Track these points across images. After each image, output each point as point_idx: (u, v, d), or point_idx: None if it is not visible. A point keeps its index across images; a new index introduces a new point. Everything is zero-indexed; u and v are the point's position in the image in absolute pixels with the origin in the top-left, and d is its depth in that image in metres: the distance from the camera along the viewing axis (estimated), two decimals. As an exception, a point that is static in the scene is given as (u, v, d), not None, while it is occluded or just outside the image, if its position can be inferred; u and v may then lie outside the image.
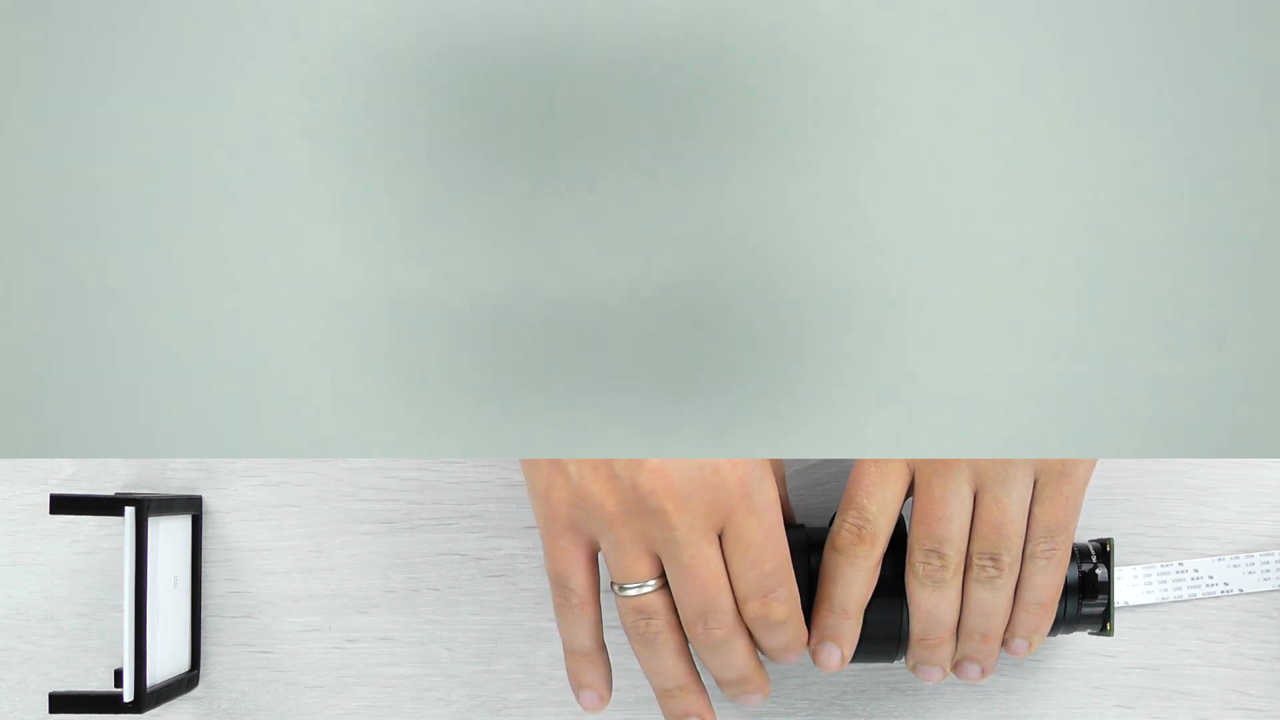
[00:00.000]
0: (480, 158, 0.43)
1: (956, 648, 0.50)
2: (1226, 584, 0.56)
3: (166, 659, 0.54)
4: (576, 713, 0.56)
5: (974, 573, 0.49)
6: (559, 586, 0.48)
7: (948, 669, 0.51)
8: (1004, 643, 0.50)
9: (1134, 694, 0.56)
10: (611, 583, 0.48)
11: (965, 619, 0.50)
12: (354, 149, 0.43)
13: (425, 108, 0.43)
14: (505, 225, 0.43)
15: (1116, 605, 0.55)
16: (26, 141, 0.44)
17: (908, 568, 0.49)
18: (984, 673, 0.51)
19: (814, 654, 0.50)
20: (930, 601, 0.49)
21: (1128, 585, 0.55)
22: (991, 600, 0.49)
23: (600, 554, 0.48)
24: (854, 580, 0.49)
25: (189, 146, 0.43)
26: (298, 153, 0.43)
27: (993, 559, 0.48)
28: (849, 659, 0.50)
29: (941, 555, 0.48)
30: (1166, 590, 0.56)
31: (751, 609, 0.47)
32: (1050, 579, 0.49)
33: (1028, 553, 0.49)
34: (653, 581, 0.47)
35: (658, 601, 0.47)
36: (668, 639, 0.48)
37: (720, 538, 0.47)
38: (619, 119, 0.43)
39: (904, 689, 0.56)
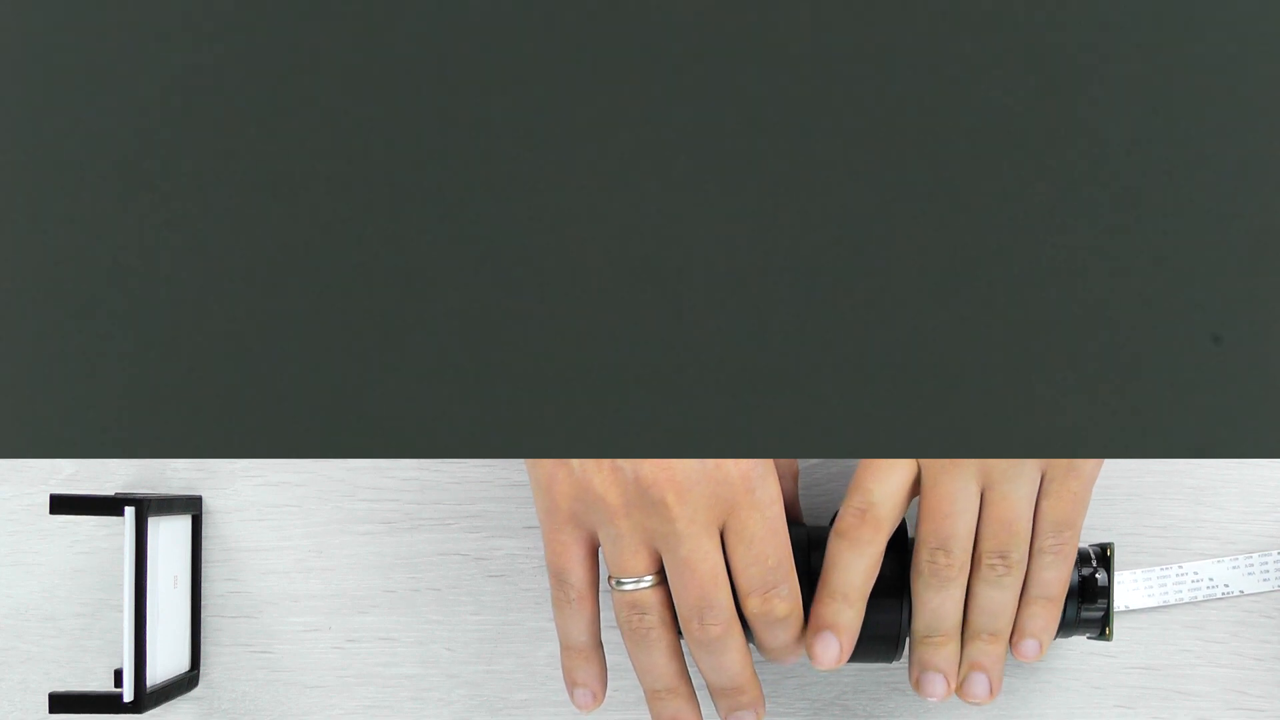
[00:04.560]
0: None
1: (962, 654, 0.50)
2: (1227, 586, 0.56)
3: (166, 659, 0.54)
4: (576, 713, 0.56)
5: (982, 572, 0.48)
6: (558, 581, 0.48)
7: (953, 679, 0.49)
8: (1012, 645, 0.50)
9: (1134, 694, 0.56)
10: (609, 577, 0.48)
11: (972, 619, 0.49)
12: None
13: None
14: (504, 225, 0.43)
15: (1117, 610, 0.55)
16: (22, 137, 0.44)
17: (913, 567, 0.48)
18: (991, 689, 0.50)
19: (810, 648, 0.48)
20: (936, 600, 0.48)
21: (1128, 589, 0.55)
22: (999, 599, 0.48)
23: (600, 549, 0.48)
24: (856, 566, 0.48)
25: (180, 139, 0.43)
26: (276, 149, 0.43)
27: (1002, 556, 0.48)
28: (847, 655, 0.49)
29: (948, 552, 0.48)
30: (1167, 593, 0.56)
31: (753, 605, 0.47)
32: (1058, 574, 0.49)
33: (1035, 548, 0.49)
34: (649, 577, 0.47)
35: (653, 597, 0.47)
36: (660, 636, 0.48)
37: (722, 534, 0.46)
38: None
39: (904, 689, 0.56)
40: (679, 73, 0.43)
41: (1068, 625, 0.51)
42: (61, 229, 0.44)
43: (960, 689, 0.50)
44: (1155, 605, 0.56)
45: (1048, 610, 0.49)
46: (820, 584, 0.48)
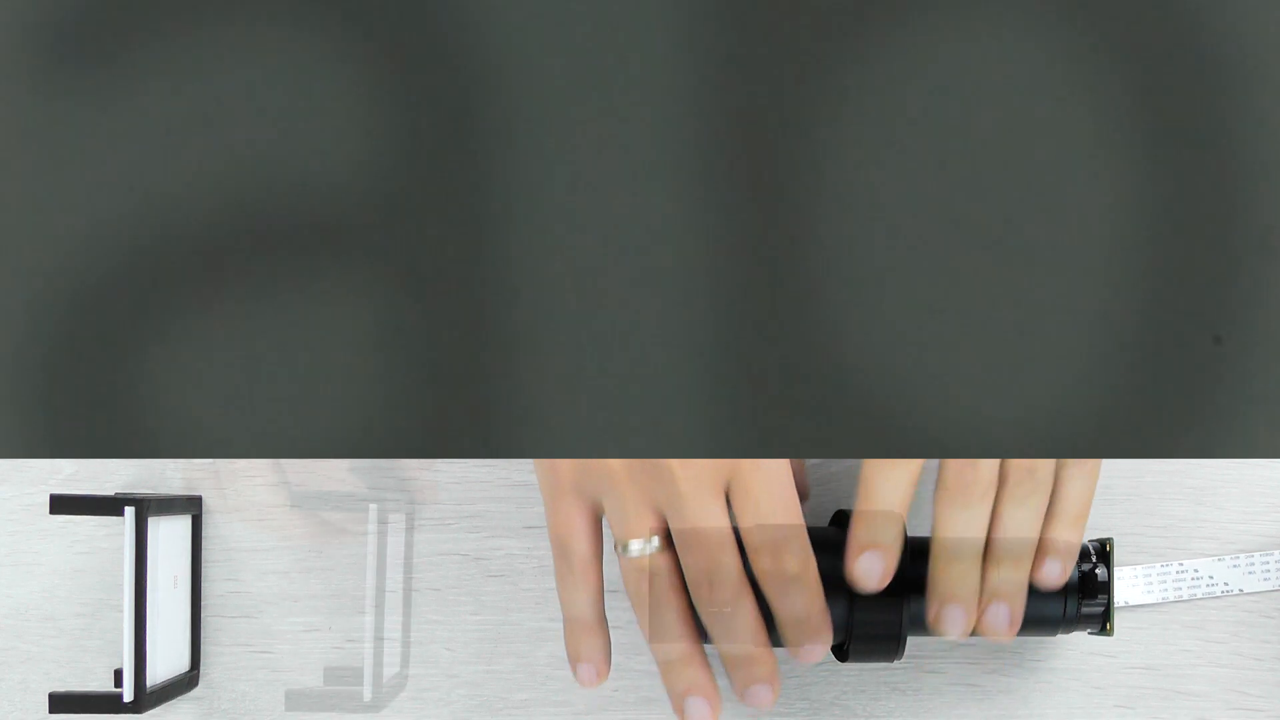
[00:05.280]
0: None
1: (982, 588, 0.48)
2: (1227, 584, 0.56)
3: (166, 659, 0.54)
4: (576, 713, 0.56)
5: (1009, 489, 0.47)
6: (560, 552, 0.48)
7: (973, 614, 0.48)
8: (1035, 571, 0.48)
9: (1134, 694, 0.56)
10: (615, 544, 0.47)
11: (994, 544, 0.48)
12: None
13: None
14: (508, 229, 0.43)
15: (1116, 605, 0.55)
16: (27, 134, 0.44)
17: (938, 486, 0.47)
18: (1012, 622, 0.48)
19: (851, 571, 0.47)
20: (961, 518, 0.47)
21: (1128, 585, 0.55)
22: (1024, 519, 0.47)
23: (604, 518, 0.47)
24: (898, 480, 0.46)
25: (194, 133, 0.43)
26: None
27: (1030, 471, 0.47)
28: (891, 574, 0.47)
29: (976, 467, 0.47)
30: (1166, 590, 0.56)
31: (763, 562, 0.46)
32: (1083, 489, 0.48)
33: (1060, 463, 0.48)
34: (657, 540, 0.46)
35: (661, 561, 0.47)
36: (670, 601, 0.47)
37: (728, 497, 0.46)
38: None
39: (904, 689, 0.56)
40: (674, 75, 0.43)
41: (1069, 621, 0.51)
42: (62, 227, 0.44)
43: (979, 623, 0.48)
44: (1155, 602, 0.56)
45: (1073, 530, 0.48)
46: (858, 506, 0.47)
